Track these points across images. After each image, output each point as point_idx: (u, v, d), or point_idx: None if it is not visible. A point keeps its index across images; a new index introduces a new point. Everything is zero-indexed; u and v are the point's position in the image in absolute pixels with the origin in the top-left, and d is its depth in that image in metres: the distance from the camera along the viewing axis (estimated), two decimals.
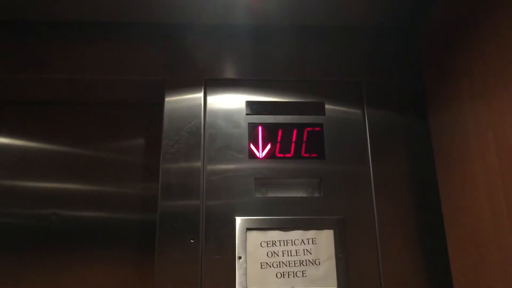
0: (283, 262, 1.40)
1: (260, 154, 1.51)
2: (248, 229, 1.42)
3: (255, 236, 1.41)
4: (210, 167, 1.48)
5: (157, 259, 1.39)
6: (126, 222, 1.63)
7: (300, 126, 1.55)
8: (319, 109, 1.57)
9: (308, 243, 1.42)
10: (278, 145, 1.52)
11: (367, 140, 1.54)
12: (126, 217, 1.63)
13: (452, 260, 1.37)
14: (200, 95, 1.54)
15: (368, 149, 1.53)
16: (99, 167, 1.68)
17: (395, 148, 1.53)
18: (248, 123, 1.54)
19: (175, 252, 1.39)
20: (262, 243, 1.41)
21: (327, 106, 1.58)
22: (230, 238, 1.41)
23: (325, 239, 1.43)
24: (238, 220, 1.43)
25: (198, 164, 1.47)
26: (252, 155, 1.50)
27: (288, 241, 1.42)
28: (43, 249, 1.59)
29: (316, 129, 1.55)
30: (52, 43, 1.60)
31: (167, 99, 1.53)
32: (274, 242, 1.41)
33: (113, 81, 1.58)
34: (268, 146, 1.52)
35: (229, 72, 1.59)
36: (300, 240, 1.42)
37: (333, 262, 1.41)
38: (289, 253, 1.41)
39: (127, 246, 1.60)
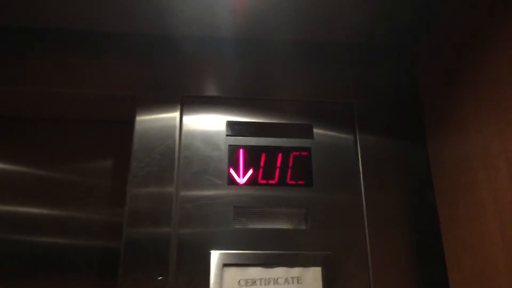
0: None
1: (241, 180, 1.38)
2: (225, 264, 1.28)
3: (233, 273, 1.27)
4: (184, 193, 1.35)
5: None
6: (91, 250, 1.48)
7: (286, 150, 1.43)
8: (306, 132, 1.46)
9: (293, 283, 1.28)
10: (261, 170, 1.40)
11: (359, 167, 1.43)
12: (91, 244, 1.48)
13: None
14: (176, 113, 1.42)
15: (360, 177, 1.42)
16: (62, 189, 1.53)
17: (391, 177, 1.42)
18: (229, 145, 1.41)
19: None
20: (241, 281, 1.27)
21: (315, 129, 1.47)
22: (204, 275, 1.26)
23: (312, 278, 1.29)
24: (214, 254, 1.28)
25: (171, 189, 1.33)
26: (231, 181, 1.38)
27: (270, 280, 1.28)
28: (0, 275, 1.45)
29: (303, 153, 1.43)
30: (11, 52, 1.46)
31: (138, 116, 1.40)
32: (254, 281, 1.27)
33: (78, 95, 1.44)
34: (250, 171, 1.40)
35: (209, 89, 1.47)
36: (284, 279, 1.28)
37: None
38: None
39: (90, 275, 1.45)
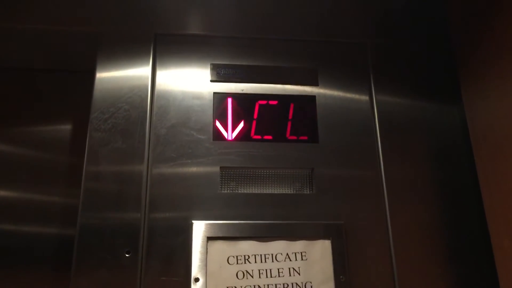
0: (259, 287, 1.07)
1: (230, 135, 1.20)
2: (210, 238, 1.09)
3: (220, 249, 1.09)
4: (158, 151, 1.14)
5: (73, 281, 1.01)
6: (45, 238, 1.28)
7: (285, 99, 1.26)
8: (310, 78, 1.29)
9: (296, 259, 1.10)
10: (254, 123, 1.23)
11: (375, 120, 1.25)
12: (44, 231, 1.28)
13: None
14: (148, 54, 1.23)
15: (376, 133, 1.24)
16: (8, 164, 1.31)
17: (415, 137, 1.24)
18: (214, 93, 1.23)
19: (101, 271, 1.02)
20: (230, 258, 1.08)
21: (321, 75, 1.29)
22: (184, 251, 1.08)
23: (319, 252, 1.11)
24: (196, 225, 1.09)
25: (142, 146, 1.12)
26: (218, 136, 1.20)
27: (267, 256, 1.10)
28: None
29: (307, 103, 1.25)
30: None
31: (100, 59, 1.19)
32: (247, 257, 1.09)
33: (26, 32, 1.22)
34: (241, 125, 1.22)
35: (190, 26, 1.29)
36: (285, 255, 1.10)
37: (331, 286, 1.08)
38: (269, 273, 1.09)
39: (44, 267, 1.26)
